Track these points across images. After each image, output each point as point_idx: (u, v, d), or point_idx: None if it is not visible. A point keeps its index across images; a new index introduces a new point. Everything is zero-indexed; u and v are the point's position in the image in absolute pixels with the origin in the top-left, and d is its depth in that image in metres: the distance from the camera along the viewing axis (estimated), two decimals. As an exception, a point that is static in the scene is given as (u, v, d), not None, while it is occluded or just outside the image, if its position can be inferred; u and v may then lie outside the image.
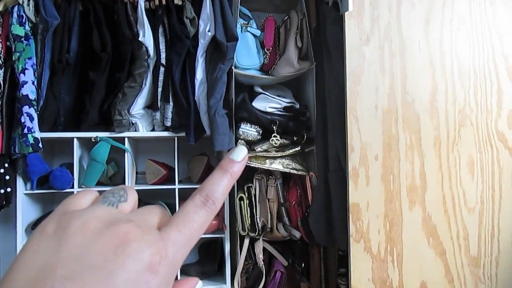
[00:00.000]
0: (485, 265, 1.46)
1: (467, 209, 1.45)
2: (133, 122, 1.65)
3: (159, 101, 1.63)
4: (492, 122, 1.46)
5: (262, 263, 1.57)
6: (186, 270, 1.77)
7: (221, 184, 0.32)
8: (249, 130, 1.58)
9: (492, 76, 1.47)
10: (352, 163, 1.40)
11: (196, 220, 0.29)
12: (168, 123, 1.63)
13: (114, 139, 1.62)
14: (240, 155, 0.33)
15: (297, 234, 1.60)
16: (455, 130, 1.45)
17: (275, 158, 1.54)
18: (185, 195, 1.81)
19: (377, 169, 1.40)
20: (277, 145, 1.56)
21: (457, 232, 1.45)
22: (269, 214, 1.59)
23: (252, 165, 1.50)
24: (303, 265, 1.68)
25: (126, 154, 1.64)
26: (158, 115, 1.64)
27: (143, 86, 1.61)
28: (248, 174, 1.70)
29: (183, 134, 1.64)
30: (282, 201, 1.62)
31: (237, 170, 0.33)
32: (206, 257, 1.77)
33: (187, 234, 0.29)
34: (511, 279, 1.46)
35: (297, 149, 1.55)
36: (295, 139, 1.60)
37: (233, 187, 1.64)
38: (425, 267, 1.43)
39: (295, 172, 1.55)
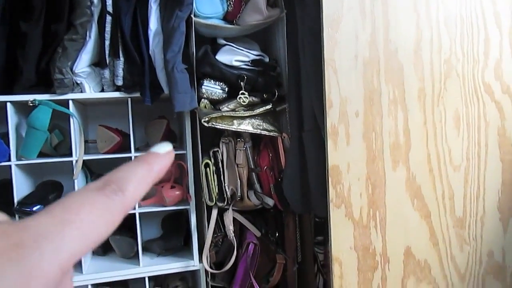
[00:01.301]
0: (470, 226, 1.37)
1: (452, 168, 1.34)
2: (78, 82, 1.42)
3: (107, 56, 1.40)
4: (479, 73, 1.34)
5: (233, 235, 1.42)
6: (148, 247, 1.60)
7: (135, 173, 0.26)
8: (213, 88, 1.40)
9: (479, 23, 1.34)
10: (330, 120, 1.24)
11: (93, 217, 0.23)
12: (119, 82, 1.41)
13: (56, 102, 1.39)
14: (164, 148, 0.30)
15: (270, 202, 1.46)
16: (440, 82, 1.32)
17: (243, 118, 1.37)
18: (143, 164, 1.61)
19: (358, 126, 1.26)
20: (245, 103, 1.38)
21: (442, 192, 1.34)
22: (238, 181, 1.43)
23: (218, 126, 1.32)
24: (277, 234, 1.55)
25: (71, 120, 1.42)
26: (107, 73, 1.42)
27: (87, 39, 1.37)
28: (214, 138, 1.52)
29: (137, 94, 1.43)
30: (252, 166, 1.46)
31: (159, 163, 0.28)
32: (170, 231, 1.60)
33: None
34: (496, 240, 1.39)
35: (268, 107, 1.38)
36: (265, 96, 1.43)
37: (198, 152, 1.46)
38: (410, 231, 1.32)
39: (266, 133, 1.38)
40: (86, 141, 1.63)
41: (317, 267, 1.56)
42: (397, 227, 1.31)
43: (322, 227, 1.55)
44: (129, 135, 1.47)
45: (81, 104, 1.60)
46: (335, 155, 1.25)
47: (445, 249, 1.36)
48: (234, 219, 1.47)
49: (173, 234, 1.58)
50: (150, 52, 1.39)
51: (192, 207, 1.49)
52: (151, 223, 1.75)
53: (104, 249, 1.60)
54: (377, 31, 1.26)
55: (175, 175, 1.54)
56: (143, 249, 1.60)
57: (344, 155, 1.26)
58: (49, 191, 1.47)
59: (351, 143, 1.26)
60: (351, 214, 1.28)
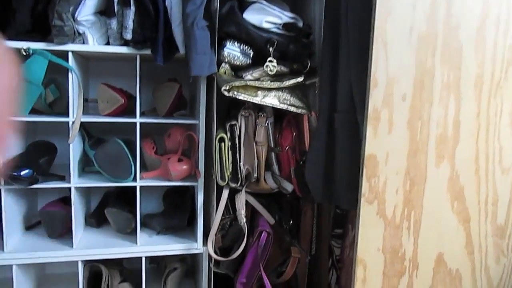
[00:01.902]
0: (510, 236, 1.21)
1: (501, 169, 1.17)
2: (80, 31, 1.22)
3: (115, 4, 1.20)
4: (547, 63, 1.15)
5: (244, 220, 1.26)
6: (147, 223, 1.44)
7: None
8: (236, 51, 1.20)
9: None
10: (373, 102, 1.06)
11: None
12: (128, 36, 1.21)
13: (54, 53, 1.19)
14: None
15: (288, 187, 1.29)
16: (501, 69, 1.13)
17: (269, 90, 1.18)
18: (148, 131, 1.44)
19: (403, 112, 1.08)
20: (272, 73, 1.19)
21: (486, 196, 1.18)
22: (255, 160, 1.26)
23: (240, 97, 1.14)
24: (291, 223, 1.39)
25: (70, 74, 1.23)
26: (114, 23, 1.22)
27: (94, -20, 1.17)
28: (232, 109, 1.34)
29: (148, 51, 1.24)
30: (272, 146, 1.29)
31: None
32: (173, 208, 1.45)
33: None
34: (537, 253, 1.24)
35: (299, 79, 1.20)
36: (295, 67, 1.24)
37: (212, 124, 1.28)
38: (445, 236, 1.17)
39: (293, 109, 1.20)
40: (85, 100, 1.45)
41: (331, 261, 1.41)
42: (432, 230, 1.15)
43: (342, 220, 1.39)
44: (135, 97, 1.29)
45: (82, 58, 1.40)
46: (373, 144, 1.08)
47: (480, 259, 1.21)
48: (246, 202, 1.31)
49: (176, 212, 1.42)
50: (166, 2, 1.18)
51: (200, 185, 1.33)
52: (151, 197, 1.59)
53: (98, 221, 1.45)
54: (438, 2, 1.06)
55: (184, 147, 1.36)
56: (142, 225, 1.44)
57: (384, 144, 1.08)
58: (40, 153, 1.30)
59: (394, 131, 1.08)
60: (383, 212, 1.12)
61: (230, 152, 1.24)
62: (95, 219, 1.44)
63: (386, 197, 1.11)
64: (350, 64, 1.16)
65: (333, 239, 1.41)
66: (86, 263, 1.32)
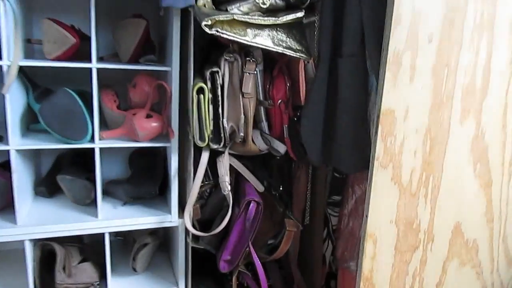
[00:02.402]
0: (533, 202, 1.07)
1: (529, 126, 1.00)
2: None
3: None
4: None
5: (229, 188, 1.05)
6: (111, 191, 1.22)
7: None
8: (219, -22, 0.95)
9: None
10: (394, 44, 0.85)
11: None
12: (78, -47, 0.93)
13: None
14: None
15: (280, 148, 1.08)
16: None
17: (262, 27, 0.94)
18: (109, 81, 1.18)
19: (429, 56, 0.88)
20: (265, 6, 0.95)
21: (511, 157, 1.02)
22: (242, 116, 1.03)
23: (225, 36, 0.89)
24: (281, 188, 1.20)
25: (1, 4, 0.94)
26: None
27: None
28: (212, 53, 1.10)
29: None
30: (261, 98, 1.07)
31: None
32: (142, 173, 1.22)
33: None
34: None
35: (299, 15, 0.96)
36: (292, 1, 1.00)
37: (188, 71, 1.04)
38: (464, 203, 1.00)
39: (290, 53, 0.97)
40: (28, 41, 1.16)
41: (327, 231, 1.24)
42: (451, 197, 0.99)
43: (341, 185, 1.21)
44: (90, 37, 1.02)
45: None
46: (392, 95, 0.88)
47: (499, 227, 1.06)
48: (230, 166, 1.10)
49: (145, 177, 1.19)
50: None
51: (173, 146, 1.10)
52: (115, 160, 1.35)
53: (50, 190, 1.20)
54: None
55: (153, 100, 1.12)
56: (104, 194, 1.21)
57: (403, 95, 0.88)
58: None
59: (416, 80, 0.88)
60: (398, 178, 0.93)
61: (210, 106, 1.01)
62: (46, 188, 1.20)
63: (402, 160, 0.92)
64: (363, -5, 0.93)
65: (329, 207, 1.23)
66: (36, 241, 1.08)
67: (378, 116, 0.89)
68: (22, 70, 1.09)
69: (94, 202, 1.13)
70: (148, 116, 1.08)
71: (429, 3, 0.84)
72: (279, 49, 0.95)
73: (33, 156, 1.21)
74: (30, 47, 1.21)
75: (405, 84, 0.87)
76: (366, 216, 0.94)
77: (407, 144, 0.91)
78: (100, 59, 1.22)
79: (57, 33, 1.04)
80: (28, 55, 1.17)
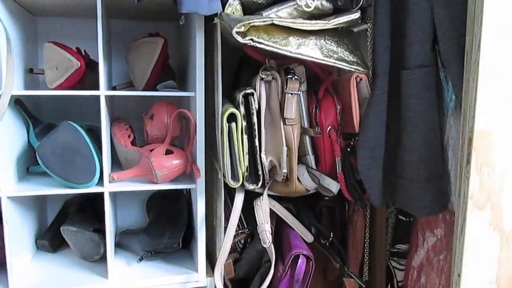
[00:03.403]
0: None
1: None
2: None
3: None
4: None
5: (270, 239, 0.83)
6: (124, 244, 1.02)
7: None
8: (252, -22, 0.77)
9: None
10: (487, 37, 0.64)
11: None
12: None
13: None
14: None
15: (333, 187, 0.86)
16: None
17: (307, 34, 0.75)
18: (122, 112, 1.01)
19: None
20: (309, 9, 0.76)
21: None
22: (284, 148, 0.82)
23: (262, 46, 0.70)
24: (331, 236, 0.96)
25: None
26: None
27: None
28: (244, 71, 0.91)
29: (113, -16, 0.80)
30: (306, 125, 0.86)
31: None
32: (162, 221, 1.01)
33: None
34: None
35: (354, 17, 0.77)
36: (341, 3, 0.81)
37: (216, 95, 0.84)
38: None
39: (343, 66, 0.77)
40: (30, 70, 1.01)
41: (391, 289, 0.99)
42: None
43: (408, 230, 0.97)
44: (97, 62, 0.85)
45: (25, 12, 0.96)
46: (488, 111, 0.66)
47: None
48: (270, 211, 0.88)
49: (165, 226, 0.98)
50: None
51: (200, 187, 0.89)
52: (130, 204, 1.15)
53: (54, 243, 1.01)
54: None
55: (174, 133, 0.93)
56: (117, 246, 1.01)
57: (505, 111, 0.66)
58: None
59: (521, 90, 0.66)
60: (499, 222, 0.70)
61: (245, 137, 0.81)
62: (49, 241, 1.00)
63: (505, 198, 0.69)
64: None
65: (393, 259, 0.98)
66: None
67: (470, 140, 0.66)
68: (20, 104, 0.93)
69: (104, 258, 0.92)
70: (168, 153, 0.89)
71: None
72: (330, 61, 0.75)
73: (34, 203, 1.02)
74: (34, 78, 1.06)
75: (507, 96, 0.66)
76: (459, 276, 0.70)
77: (510, 176, 0.68)
78: (113, 88, 1.05)
79: (59, 57, 0.88)
80: (31, 86, 1.02)
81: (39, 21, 1.10)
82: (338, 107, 0.86)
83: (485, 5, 0.63)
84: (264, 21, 0.70)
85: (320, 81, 0.91)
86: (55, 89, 0.91)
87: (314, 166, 0.89)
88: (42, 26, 1.10)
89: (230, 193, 0.89)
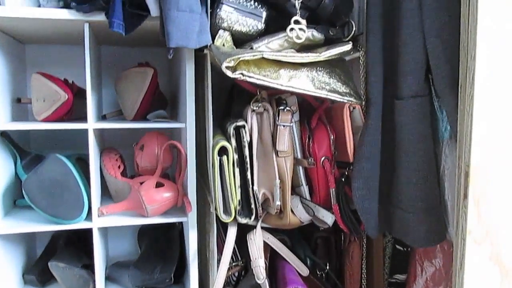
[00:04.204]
0: None
1: None
2: (-7, -12, 0.77)
3: None
4: None
5: (264, 274, 0.80)
6: (115, 277, 0.98)
7: None
8: (241, 10, 0.76)
9: None
10: (481, 68, 0.63)
11: None
12: (68, -9, 0.76)
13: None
14: None
15: (327, 218, 0.84)
16: None
17: (298, 67, 0.74)
18: (112, 142, 0.99)
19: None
20: (300, 41, 0.75)
21: None
22: (277, 180, 0.81)
23: (252, 80, 0.69)
24: (327, 268, 0.94)
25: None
26: (44, -28, 0.76)
27: None
28: (235, 103, 0.89)
29: (101, 15, 0.79)
30: (299, 156, 0.84)
31: None
32: (153, 254, 0.98)
33: None
34: None
35: (345, 48, 0.75)
36: (332, 33, 0.80)
37: (207, 127, 0.83)
38: None
39: (336, 97, 0.76)
40: (18, 100, 0.99)
41: (389, 321, 0.97)
42: None
43: (405, 260, 0.95)
44: (85, 91, 0.83)
45: (13, 40, 0.95)
46: (484, 143, 0.64)
47: None
48: (264, 243, 0.86)
49: (157, 259, 0.96)
50: None
51: (191, 221, 0.87)
52: (121, 236, 1.13)
53: (41, 278, 0.98)
54: None
55: (164, 165, 0.91)
56: (107, 279, 0.98)
57: (504, 142, 0.65)
58: None
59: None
60: (499, 256, 0.68)
61: (236, 170, 0.79)
62: (37, 276, 0.97)
63: (504, 232, 0.67)
64: (426, 15, 0.73)
65: (391, 289, 0.96)
66: None
67: (467, 174, 0.65)
68: (6, 136, 0.91)
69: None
70: (159, 185, 0.87)
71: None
72: (323, 94, 0.74)
73: (22, 237, 0.99)
74: (23, 107, 1.03)
75: (503, 128, 0.64)
76: (458, 312, 0.67)
77: (509, 210, 0.67)
78: (102, 117, 1.03)
79: (46, 89, 0.86)
80: (19, 117, 1.00)
81: (28, 48, 1.08)
82: (332, 137, 0.85)
83: (478, 37, 0.62)
84: (254, 55, 0.68)
85: (313, 108, 0.90)
86: (42, 120, 0.89)
87: (308, 197, 0.87)
88: (31, 53, 1.08)
89: (224, 224, 0.87)
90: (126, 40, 1.04)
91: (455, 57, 0.68)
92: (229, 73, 0.68)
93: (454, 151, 0.71)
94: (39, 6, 0.81)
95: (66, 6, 0.79)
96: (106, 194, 0.99)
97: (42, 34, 0.96)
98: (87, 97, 0.82)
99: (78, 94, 0.91)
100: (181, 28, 0.69)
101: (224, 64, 0.67)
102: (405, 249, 0.94)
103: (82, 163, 0.93)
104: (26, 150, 0.97)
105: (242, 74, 0.69)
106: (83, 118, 0.87)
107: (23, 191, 0.83)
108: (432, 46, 0.73)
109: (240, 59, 0.68)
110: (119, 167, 0.96)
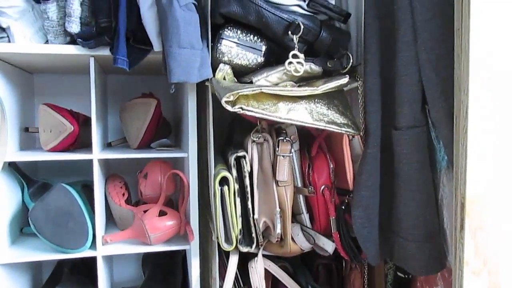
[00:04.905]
0: None
1: None
2: (3, 26, 0.81)
3: (54, -19, 0.78)
4: None
5: (265, 303, 0.81)
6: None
7: None
8: (241, 45, 0.78)
9: None
10: (479, 102, 0.64)
11: None
12: (74, 27, 0.79)
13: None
14: None
15: (328, 246, 0.85)
16: None
17: (297, 100, 0.76)
18: (117, 167, 1.01)
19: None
20: (299, 74, 0.77)
21: None
22: (277, 209, 0.82)
23: (251, 113, 0.71)
24: (329, 294, 0.95)
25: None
26: (52, 9, 0.79)
27: None
28: (236, 134, 0.91)
29: (106, 51, 0.82)
30: (299, 185, 0.86)
31: None
32: (156, 281, 0.99)
33: None
34: None
35: (342, 82, 0.77)
36: (330, 65, 0.82)
37: (208, 157, 0.85)
38: None
39: (334, 129, 0.78)
40: (25, 129, 1.02)
41: None
42: None
43: (406, 287, 0.95)
44: (90, 120, 0.86)
45: (21, 71, 0.98)
46: (480, 174, 0.65)
47: None
48: (266, 271, 0.87)
49: (160, 286, 0.97)
50: (130, -26, 0.77)
51: (194, 249, 0.88)
52: (126, 261, 1.14)
53: (46, 305, 0.99)
54: None
55: (168, 192, 0.93)
56: (110, 307, 0.99)
57: (498, 174, 0.66)
58: None
59: None
60: (496, 287, 0.68)
61: (237, 199, 0.81)
62: (42, 302, 0.98)
63: (501, 263, 0.68)
64: (421, 48, 0.75)
65: (393, 317, 0.96)
66: None
67: (463, 205, 0.66)
68: (13, 165, 0.93)
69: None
70: (162, 214, 0.88)
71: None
72: (321, 125, 0.76)
73: (28, 264, 1.01)
74: (30, 136, 1.06)
75: (497, 160, 0.65)
76: None
77: (506, 241, 0.67)
78: (108, 145, 1.06)
79: (53, 120, 0.89)
80: (27, 145, 1.02)
81: (36, 78, 1.12)
82: (331, 166, 0.86)
83: (471, 72, 0.64)
84: (253, 90, 0.71)
85: (313, 137, 0.91)
86: (49, 150, 0.91)
87: (309, 224, 0.88)
88: (39, 83, 1.12)
89: (225, 254, 0.88)
90: (132, 70, 1.07)
91: (450, 89, 0.70)
92: (228, 108, 0.70)
93: (452, 180, 0.72)
94: (47, 42, 0.84)
95: (73, 41, 0.82)
96: (111, 220, 1.01)
97: (50, 65, 0.99)
98: (92, 128, 0.84)
99: (84, 123, 0.94)
100: (183, 65, 0.71)
101: (224, 99, 0.69)
102: (406, 276, 0.94)
103: (88, 190, 0.95)
104: (33, 178, 0.99)
105: (241, 108, 0.71)
106: (89, 145, 0.89)
107: (29, 220, 0.85)
108: (427, 79, 0.75)
109: (239, 94, 0.70)
110: (123, 194, 0.98)
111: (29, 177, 0.97)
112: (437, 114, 0.75)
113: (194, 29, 0.72)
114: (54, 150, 0.90)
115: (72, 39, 0.83)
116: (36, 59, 0.88)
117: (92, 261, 0.92)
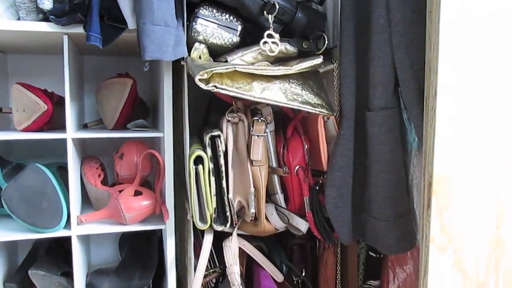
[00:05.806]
0: None
1: None
2: (-27, 1, 0.79)
3: (25, -45, 0.77)
4: None
5: (239, 281, 0.83)
6: (96, 284, 0.99)
7: None
8: (217, 23, 0.78)
9: None
10: (447, 76, 0.66)
11: None
12: (46, 4, 0.78)
13: None
14: None
15: (302, 226, 0.86)
16: None
17: (271, 79, 0.76)
18: (93, 148, 1.00)
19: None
20: (273, 54, 0.77)
21: None
22: (251, 189, 0.83)
23: (225, 92, 0.71)
24: (302, 274, 0.96)
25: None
26: (23, -15, 0.78)
27: None
28: (212, 113, 0.92)
29: (79, 28, 0.81)
30: (274, 165, 0.87)
31: None
32: (133, 260, 1.00)
33: None
34: None
35: (316, 61, 0.78)
36: (305, 46, 0.83)
37: (183, 136, 0.85)
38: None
39: (308, 109, 0.78)
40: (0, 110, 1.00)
41: (364, 326, 0.99)
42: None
43: (379, 266, 0.97)
44: (63, 101, 0.85)
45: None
46: (447, 155, 0.67)
47: None
48: (240, 250, 0.88)
49: (136, 266, 0.97)
50: (103, -50, 0.76)
51: (169, 228, 0.89)
52: (103, 241, 1.14)
53: (22, 286, 0.98)
54: None
55: (144, 173, 0.93)
56: (87, 287, 0.99)
57: (465, 154, 0.68)
58: None
59: (479, 131, 0.68)
60: (462, 263, 0.70)
61: (212, 179, 0.81)
62: (17, 284, 0.98)
63: (465, 240, 0.70)
64: (394, 30, 0.76)
65: (365, 294, 0.99)
66: None
67: (430, 185, 0.68)
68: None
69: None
70: (137, 193, 0.89)
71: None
72: (295, 105, 0.76)
73: (3, 246, 1.00)
74: (4, 116, 1.05)
75: (466, 139, 0.67)
76: (422, 318, 0.70)
77: (470, 219, 0.69)
78: (84, 126, 1.05)
79: (26, 99, 0.87)
80: (1, 126, 1.01)
81: (10, 58, 1.10)
82: (306, 147, 0.87)
83: (440, 53, 0.65)
84: (227, 69, 0.71)
85: (289, 118, 0.92)
86: (23, 130, 0.90)
87: (283, 204, 0.89)
88: (13, 63, 1.10)
89: (202, 231, 0.89)
90: (108, 49, 1.06)
91: (421, 72, 0.71)
92: (202, 86, 0.70)
93: (421, 161, 0.74)
94: (19, 19, 0.82)
95: (45, 19, 0.81)
96: (88, 202, 1.00)
97: (24, 45, 0.97)
98: (66, 107, 0.83)
99: (59, 103, 0.93)
100: (156, 42, 0.71)
101: (198, 77, 0.69)
102: (378, 255, 0.96)
103: (64, 172, 0.94)
104: (7, 159, 0.98)
105: (215, 86, 0.71)
106: (64, 127, 0.88)
107: (3, 200, 0.84)
108: (400, 61, 0.76)
109: (213, 72, 0.70)
110: (99, 175, 0.97)
111: (3, 158, 0.96)
112: (408, 96, 0.76)
113: (168, 6, 0.72)
114: (27, 130, 0.89)
115: (45, 16, 0.81)
116: (7, 37, 0.87)
117: (68, 242, 0.92)
